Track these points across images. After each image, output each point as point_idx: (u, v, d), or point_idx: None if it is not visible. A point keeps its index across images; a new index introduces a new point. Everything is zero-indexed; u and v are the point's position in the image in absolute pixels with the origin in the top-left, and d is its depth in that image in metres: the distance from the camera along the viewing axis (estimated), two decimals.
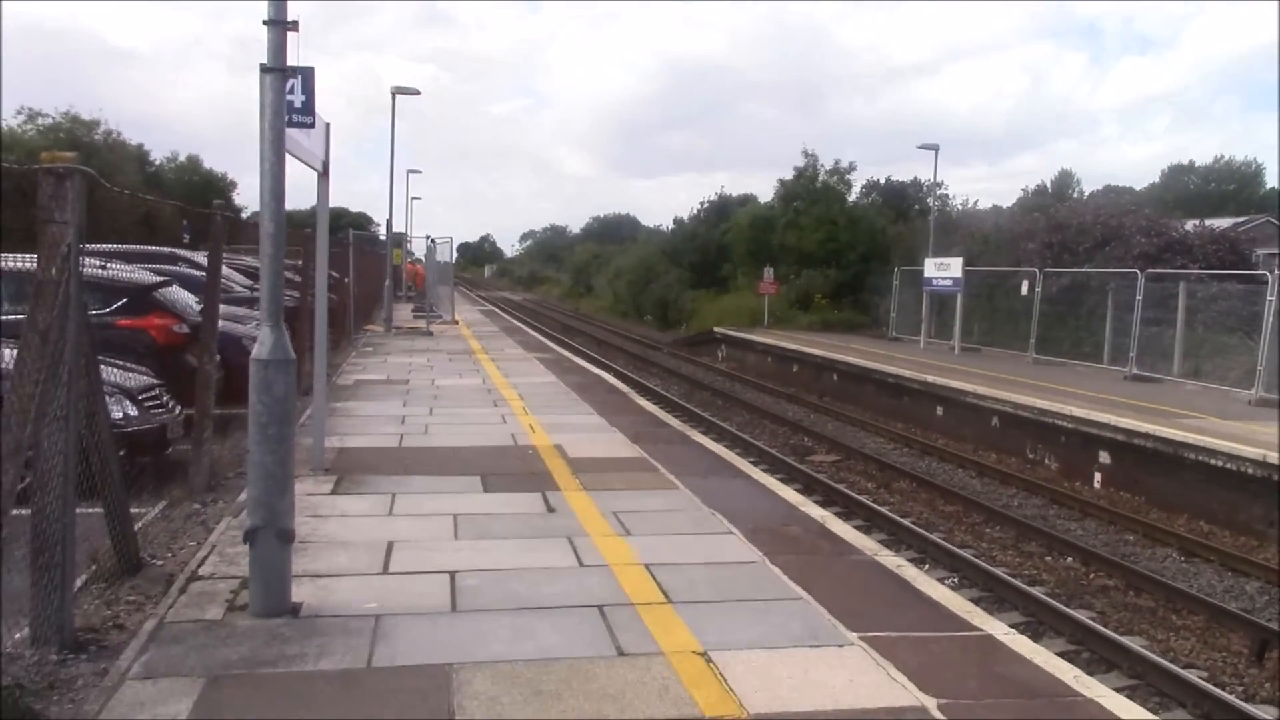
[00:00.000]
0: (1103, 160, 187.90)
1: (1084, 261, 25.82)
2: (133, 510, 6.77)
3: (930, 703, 4.83)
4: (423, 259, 46.98)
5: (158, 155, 56.33)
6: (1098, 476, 15.59)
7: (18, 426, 4.57)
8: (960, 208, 43.24)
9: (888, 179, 48.94)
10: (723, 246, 48.40)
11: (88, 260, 5.42)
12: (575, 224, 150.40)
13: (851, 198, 44.51)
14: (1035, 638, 6.71)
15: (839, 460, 17.29)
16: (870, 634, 5.69)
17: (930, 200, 40.19)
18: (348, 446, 10.91)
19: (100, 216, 6.15)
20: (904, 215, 43.83)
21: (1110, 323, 23.14)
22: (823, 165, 44.47)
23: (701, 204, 54.00)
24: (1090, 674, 5.42)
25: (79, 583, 5.85)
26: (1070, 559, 11.73)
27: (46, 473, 5.07)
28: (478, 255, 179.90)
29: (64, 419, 5.12)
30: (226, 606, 5.84)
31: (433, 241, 37.42)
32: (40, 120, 39.71)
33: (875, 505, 13.56)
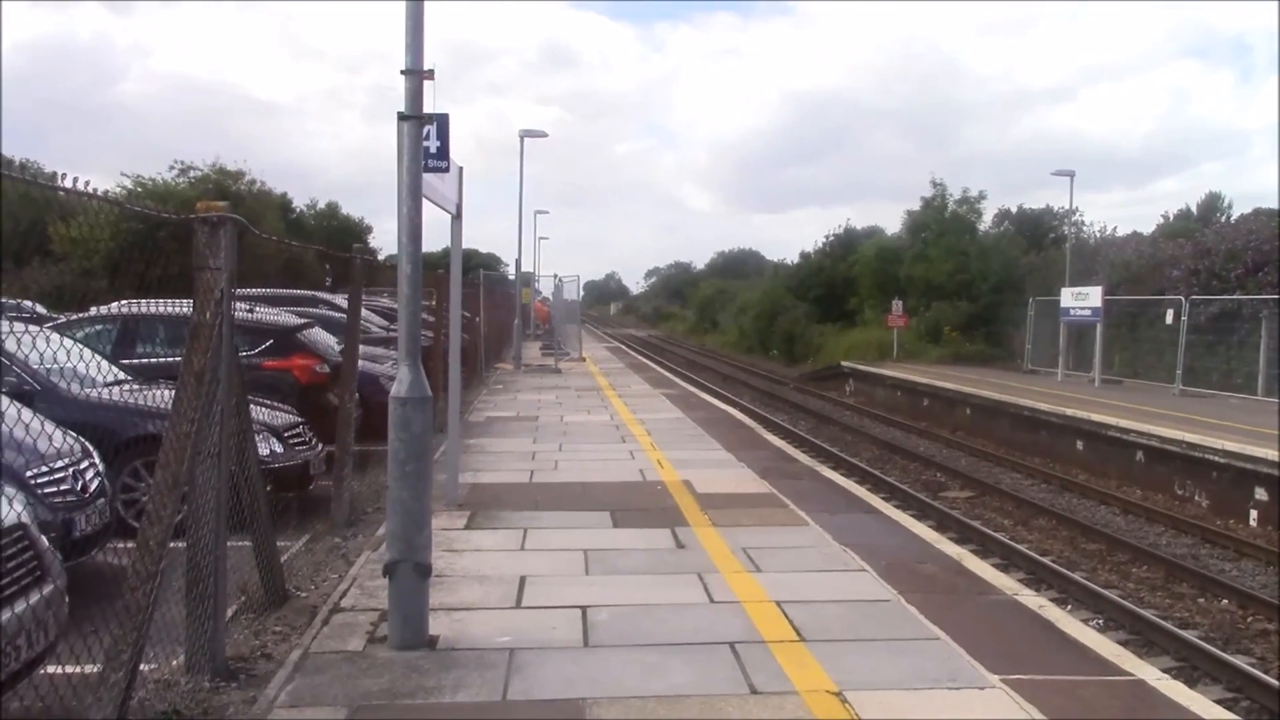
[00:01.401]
0: (1253, 182, 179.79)
1: (1234, 289, 24.63)
2: (278, 544, 7.03)
3: None
4: (550, 297, 47.76)
5: (298, 202, 58.79)
6: (1254, 514, 14.73)
7: (176, 463, 4.81)
8: (1098, 234, 41.80)
9: (1020, 207, 47.74)
10: (849, 279, 47.85)
11: (237, 304, 5.69)
12: (699, 260, 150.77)
13: (982, 227, 43.50)
14: (1190, 684, 6.36)
15: (973, 496, 16.79)
16: (1012, 676, 5.49)
17: (1066, 228, 38.99)
18: (480, 482, 11.11)
19: (247, 262, 6.44)
20: (1038, 244, 42.58)
21: (1264, 352, 21.97)
22: (951, 195, 43.60)
23: (827, 237, 53.56)
24: None
25: (229, 613, 6.09)
26: (1225, 601, 11.10)
27: (201, 507, 5.31)
28: (603, 293, 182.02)
29: (216, 455, 5.37)
30: (367, 638, 5.99)
31: (559, 280, 38.10)
32: (192, 173, 41.94)
33: (1013, 543, 13.09)
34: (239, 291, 5.82)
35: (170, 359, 6.93)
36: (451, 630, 6.12)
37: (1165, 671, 6.29)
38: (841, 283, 48.54)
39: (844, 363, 36.66)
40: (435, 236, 43.38)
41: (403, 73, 6.03)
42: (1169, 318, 24.80)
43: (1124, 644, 8.14)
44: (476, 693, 5.18)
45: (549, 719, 4.87)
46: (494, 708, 5.01)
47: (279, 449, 9.37)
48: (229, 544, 5.62)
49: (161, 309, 5.65)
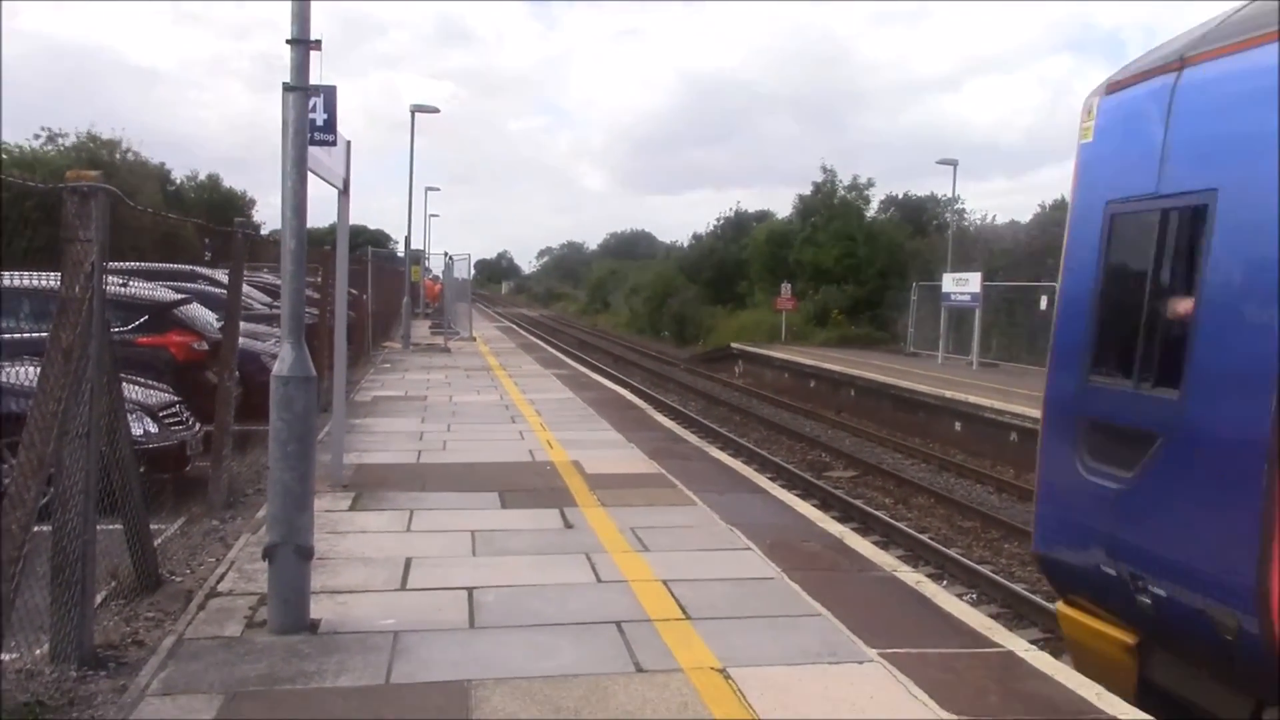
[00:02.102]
0: None
1: None
2: (152, 527, 6.80)
3: None
4: (440, 276, 47.17)
5: (178, 174, 56.71)
6: None
7: (41, 443, 4.61)
8: (979, 222, 43.16)
9: (906, 194, 48.97)
10: (740, 263, 48.44)
11: (109, 278, 5.47)
12: (592, 240, 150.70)
13: (870, 213, 44.51)
14: (1056, 654, 6.65)
15: (856, 475, 17.21)
16: (890, 650, 5.65)
17: (948, 215, 40.11)
18: (366, 463, 10.94)
19: (122, 235, 6.20)
20: (922, 230, 43.77)
21: None
22: (841, 181, 44.52)
23: (718, 220, 54.13)
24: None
25: (99, 599, 5.88)
26: None
27: (68, 489, 5.10)
28: (495, 272, 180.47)
29: (85, 436, 5.16)
30: (245, 623, 5.85)
31: (450, 258, 37.61)
32: (61, 141, 40.09)
33: (893, 520, 13.48)
34: (112, 265, 5.60)
35: (37, 334, 6.63)
36: (334, 613, 6.02)
37: (1033, 643, 6.55)
38: (733, 265, 49.12)
39: (734, 344, 37.14)
40: (321, 212, 42.44)
41: (288, 42, 5.86)
42: (1043, 303, 25.77)
43: (995, 617, 8.48)
44: (359, 676, 5.11)
45: (434, 702, 4.83)
46: (377, 691, 4.94)
47: (153, 429, 9.06)
48: (99, 527, 5.41)
49: (26, 282, 5.39)
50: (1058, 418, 6.38)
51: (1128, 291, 5.91)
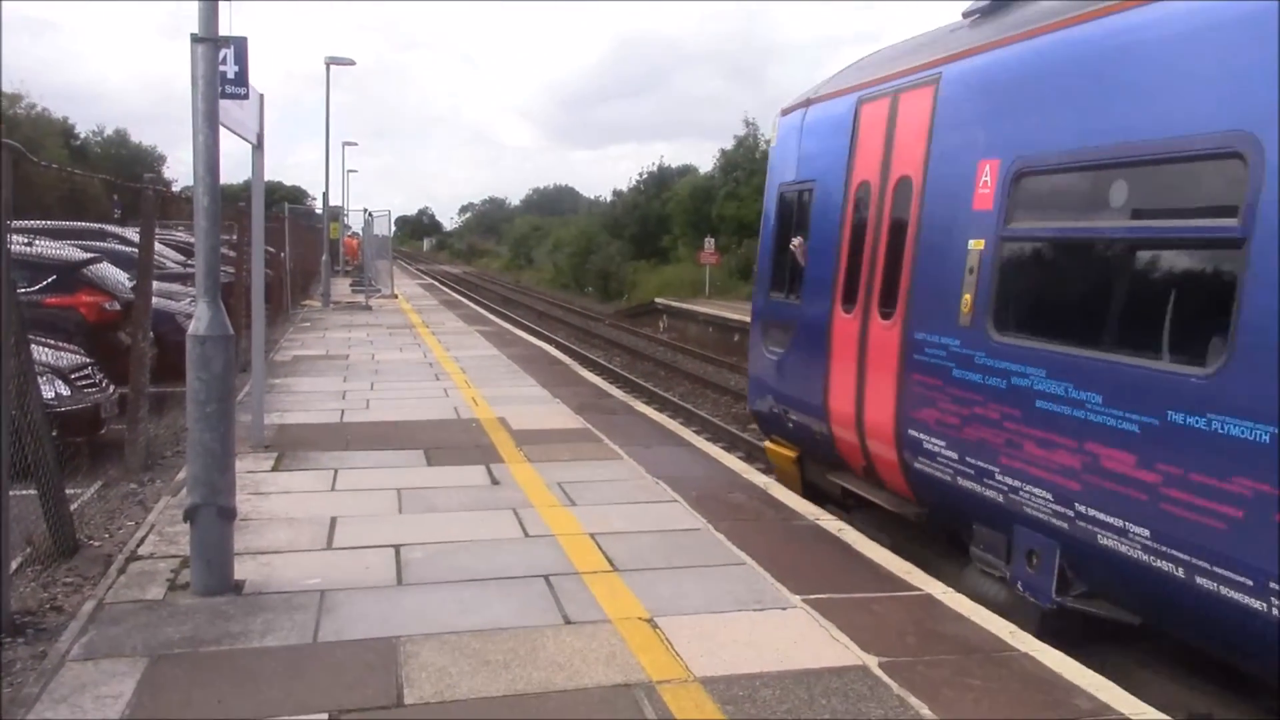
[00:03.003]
0: None
1: None
2: (68, 491, 6.66)
3: (871, 660, 4.94)
4: (360, 233, 46.40)
5: (83, 129, 54.82)
6: None
7: None
8: None
9: None
10: (663, 218, 48.48)
11: (13, 236, 5.30)
12: (515, 196, 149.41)
13: None
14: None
15: None
16: (813, 596, 5.79)
17: None
18: (288, 423, 10.80)
19: (25, 192, 6.00)
20: None
21: None
22: (763, 135, 44.65)
23: (642, 175, 54.01)
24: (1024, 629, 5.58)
25: (14, 565, 5.75)
26: None
27: None
28: (416, 228, 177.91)
29: None
30: (168, 586, 5.77)
31: (370, 215, 36.96)
32: None
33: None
34: (16, 224, 5.42)
35: None
36: (259, 574, 5.97)
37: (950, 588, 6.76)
38: (656, 220, 49.13)
39: (658, 300, 37.23)
40: (236, 168, 41.49)
41: None
42: None
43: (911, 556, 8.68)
44: (286, 636, 5.08)
45: (363, 659, 4.83)
46: (304, 650, 4.93)
47: (66, 391, 8.84)
48: (12, 493, 5.29)
49: None
50: (756, 321, 10.01)
51: (782, 239, 9.37)
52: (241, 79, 7.22)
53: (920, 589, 6.07)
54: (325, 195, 32.89)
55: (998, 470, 6.13)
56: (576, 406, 12.29)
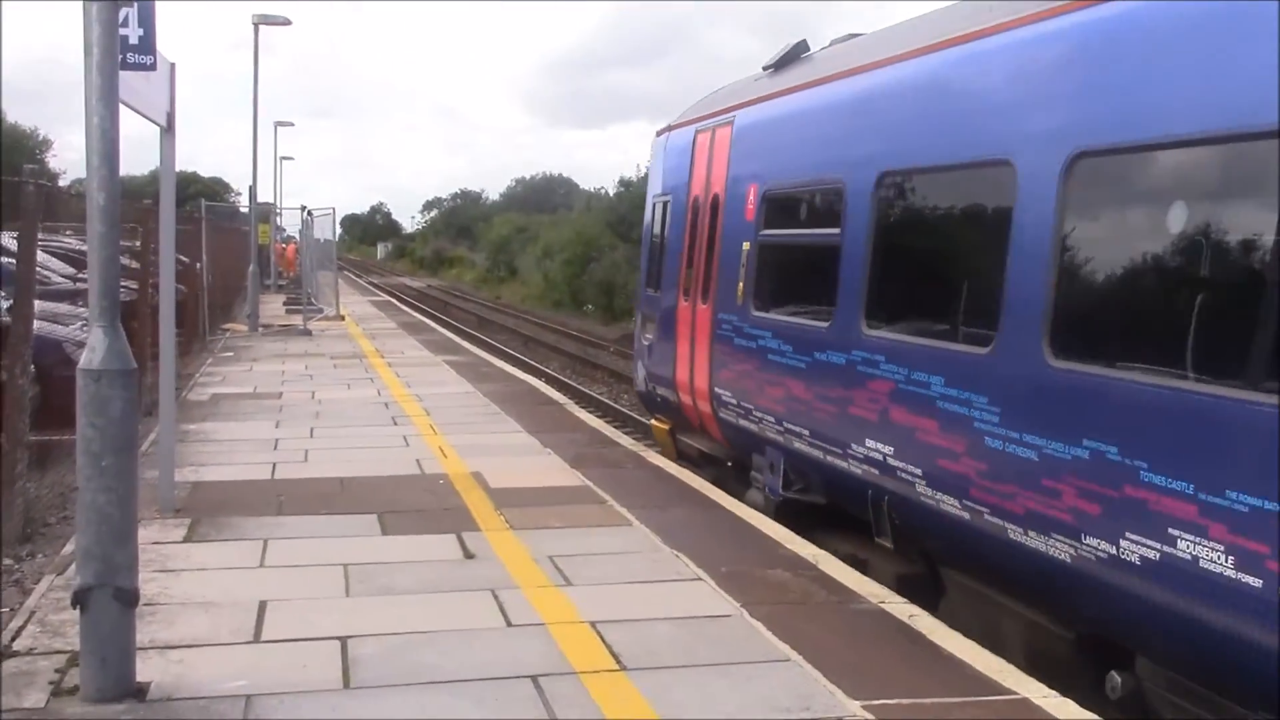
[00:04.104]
0: None
1: None
2: None
3: None
4: (297, 237, 46.66)
5: None
6: None
7: None
8: None
9: None
10: None
11: None
12: (493, 188, 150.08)
13: None
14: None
15: None
16: (877, 702, 5.76)
17: None
18: (205, 480, 10.83)
19: None
20: None
21: None
22: None
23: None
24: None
25: None
26: None
27: None
28: (368, 231, 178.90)
29: None
30: (51, 691, 5.77)
31: (310, 214, 37.19)
32: None
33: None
34: None
35: None
36: (168, 675, 5.97)
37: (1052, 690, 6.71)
38: None
39: None
40: (140, 156, 41.79)
41: None
42: None
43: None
44: None
45: None
46: None
47: None
48: None
49: None
50: (638, 313, 14.69)
51: (653, 242, 14.06)
52: (147, 46, 7.31)
53: (1015, 692, 6.04)
54: (253, 189, 33.20)
55: (754, 409, 10.73)
56: (572, 458, 12.30)
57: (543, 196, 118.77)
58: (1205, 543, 5.47)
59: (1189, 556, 5.57)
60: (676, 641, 6.62)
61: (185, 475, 10.72)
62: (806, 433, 9.58)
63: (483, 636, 6.67)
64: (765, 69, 12.10)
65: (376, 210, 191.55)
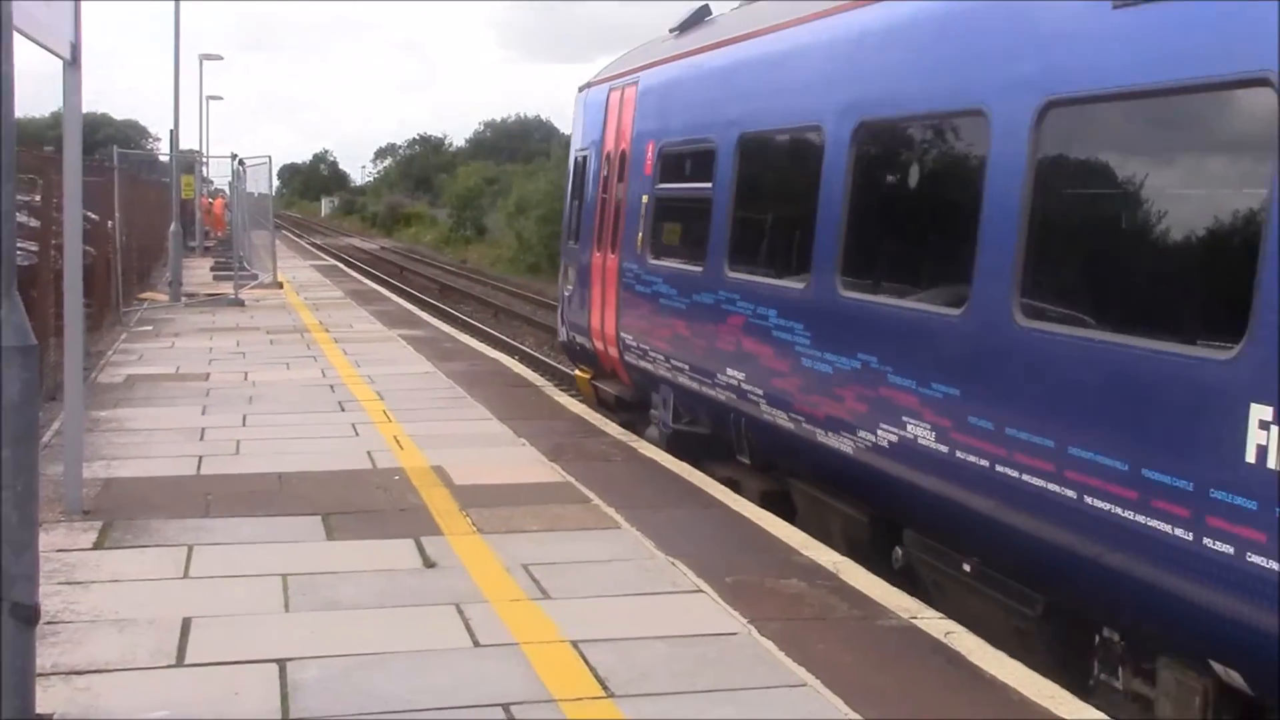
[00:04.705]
0: None
1: None
2: None
3: None
4: (227, 191, 46.56)
5: None
6: None
7: None
8: None
9: None
10: None
11: None
12: (458, 134, 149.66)
13: None
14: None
15: None
16: None
17: None
18: (118, 476, 10.81)
19: None
20: None
21: None
22: None
23: None
24: None
25: None
26: None
27: None
28: (311, 183, 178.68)
29: None
30: None
31: (242, 164, 37.09)
32: None
33: None
34: None
35: None
36: (74, 705, 5.97)
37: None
38: None
39: None
40: (39, 94, 41.60)
41: None
42: None
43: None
44: None
45: None
46: None
47: None
48: None
49: None
50: (561, 265, 18.26)
51: (575, 196, 16.99)
52: None
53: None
54: (174, 135, 33.10)
55: (650, 349, 13.42)
56: (551, 449, 12.32)
57: (516, 142, 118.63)
58: (922, 425, 8.19)
59: (913, 437, 8.30)
60: (673, 664, 6.63)
61: (95, 471, 10.72)
62: (688, 367, 12.49)
63: (445, 659, 6.67)
64: (671, 31, 14.92)
65: (320, 159, 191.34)
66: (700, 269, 12.04)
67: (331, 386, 16.36)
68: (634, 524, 9.53)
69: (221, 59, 60.85)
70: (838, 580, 8.28)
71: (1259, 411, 5.58)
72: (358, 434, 13.05)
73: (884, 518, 9.45)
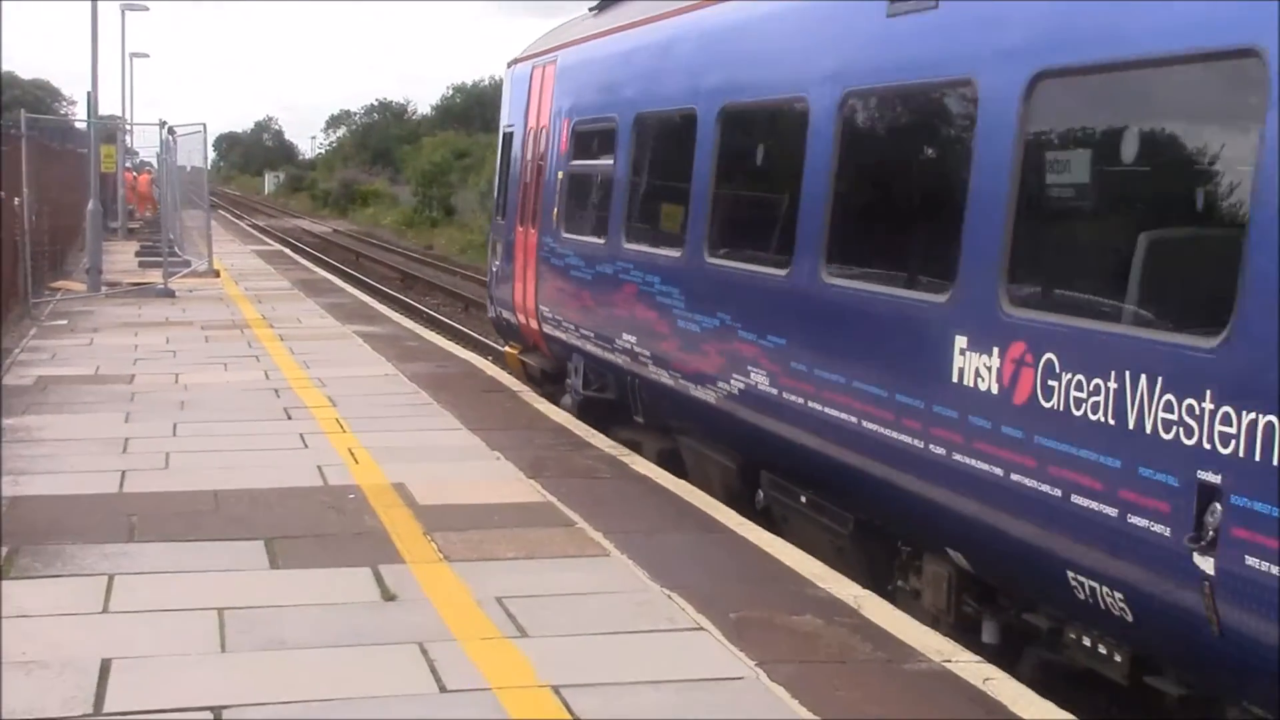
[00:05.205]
0: None
1: None
2: None
3: None
4: (154, 164, 46.52)
5: None
6: None
7: None
8: None
9: None
10: None
11: None
12: (422, 100, 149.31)
13: None
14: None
15: None
16: None
17: None
18: (26, 494, 10.81)
19: None
20: None
21: None
22: None
23: None
24: None
25: None
26: None
27: None
28: (252, 155, 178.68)
29: None
30: None
31: (172, 133, 37.04)
32: None
33: None
34: None
35: None
36: None
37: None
38: None
39: None
40: None
41: None
42: None
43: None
44: None
45: None
46: None
47: None
48: None
49: None
50: (490, 241, 21.52)
51: (501, 172, 20.86)
52: None
53: None
54: (92, 98, 33.03)
55: (563, 320, 15.82)
56: (530, 464, 12.33)
57: (490, 110, 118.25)
58: (762, 372, 10.68)
59: (754, 383, 10.82)
60: (669, 712, 6.64)
61: (2, 487, 10.72)
62: (593, 335, 15.07)
63: (408, 705, 6.68)
64: (590, 10, 17.41)
65: (264, 128, 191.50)
66: (603, 241, 14.76)
67: (276, 391, 16.37)
68: (625, 550, 9.54)
69: (147, 9, 60.46)
70: (859, 617, 8.29)
71: (960, 341, 8.08)
72: (306, 446, 13.07)
73: (747, 463, 11.93)
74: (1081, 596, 7.38)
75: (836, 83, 9.91)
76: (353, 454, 12.62)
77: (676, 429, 13.75)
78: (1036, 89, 7.68)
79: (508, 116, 20.26)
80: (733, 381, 11.13)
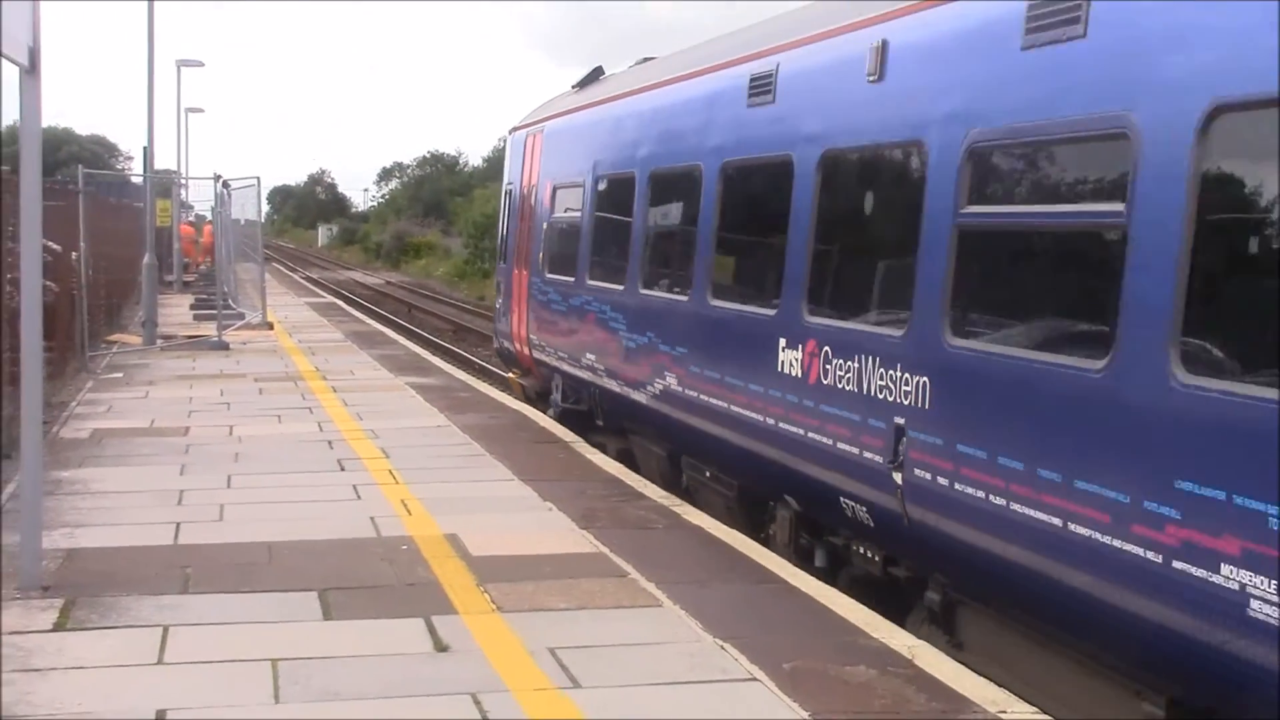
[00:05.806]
0: None
1: None
2: None
3: None
4: (210, 217, 46.87)
5: None
6: None
7: None
8: None
9: None
10: None
11: None
12: (476, 151, 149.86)
13: None
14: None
15: None
16: None
17: None
18: (84, 546, 10.85)
19: None
20: None
21: None
22: None
23: None
24: None
25: None
26: None
27: None
28: (306, 208, 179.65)
29: None
30: None
31: (227, 187, 37.32)
32: None
33: None
34: None
35: None
36: None
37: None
38: None
39: None
40: None
41: None
42: None
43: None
44: None
45: None
46: None
47: None
48: None
49: None
50: (496, 282, 26.83)
51: (509, 225, 23.93)
52: None
53: None
54: (148, 153, 33.30)
55: (547, 345, 20.08)
56: (582, 515, 12.33)
57: None
58: (672, 374, 14.15)
59: (668, 383, 14.35)
60: None
61: (56, 540, 10.78)
62: (568, 356, 18.72)
63: None
64: (573, 87, 21.55)
65: (317, 181, 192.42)
66: (572, 279, 18.43)
67: (329, 442, 16.44)
68: (677, 601, 9.52)
69: (202, 65, 60.86)
70: (913, 667, 8.24)
71: (782, 342, 11.50)
72: (359, 497, 13.09)
73: (675, 451, 15.31)
74: (849, 515, 10.59)
75: (717, 154, 13.72)
76: (405, 505, 12.65)
77: (629, 430, 17.35)
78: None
79: (508, 176, 24.27)
80: (657, 382, 14.69)
